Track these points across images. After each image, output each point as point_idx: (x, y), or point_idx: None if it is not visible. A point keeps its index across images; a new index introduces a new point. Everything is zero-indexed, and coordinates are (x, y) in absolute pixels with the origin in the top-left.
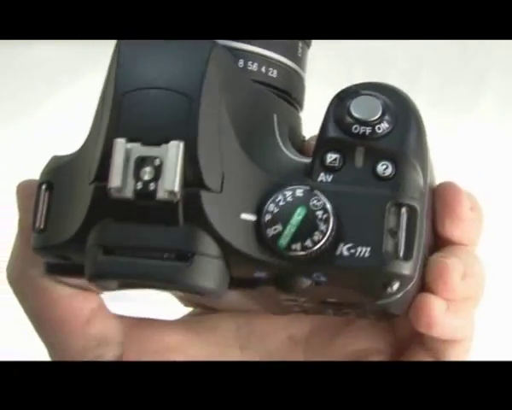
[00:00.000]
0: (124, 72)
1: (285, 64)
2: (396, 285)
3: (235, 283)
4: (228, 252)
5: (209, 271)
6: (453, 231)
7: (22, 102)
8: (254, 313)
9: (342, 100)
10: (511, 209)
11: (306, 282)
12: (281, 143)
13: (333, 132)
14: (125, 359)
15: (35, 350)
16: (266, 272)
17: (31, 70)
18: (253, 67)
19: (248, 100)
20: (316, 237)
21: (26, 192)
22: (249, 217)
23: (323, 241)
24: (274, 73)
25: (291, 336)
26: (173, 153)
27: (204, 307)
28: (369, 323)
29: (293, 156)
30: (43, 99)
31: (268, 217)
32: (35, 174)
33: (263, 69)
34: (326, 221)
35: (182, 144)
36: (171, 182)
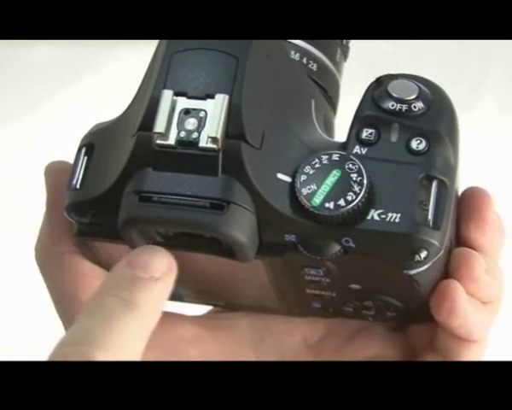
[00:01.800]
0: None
1: (325, 62)
2: (424, 253)
3: (264, 249)
4: (261, 207)
5: (242, 222)
6: (477, 235)
7: (22, 102)
8: (270, 315)
9: (381, 82)
10: (511, 209)
11: (335, 247)
12: (316, 125)
13: (369, 110)
14: None
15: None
16: (296, 235)
17: (30, 70)
18: (296, 56)
19: (290, 77)
20: (349, 197)
21: (52, 170)
22: (285, 178)
23: (356, 201)
24: (314, 67)
25: (304, 338)
26: (218, 105)
27: (222, 305)
28: (382, 332)
29: (327, 138)
30: (43, 99)
31: (303, 177)
32: (35, 174)
33: (304, 60)
34: (360, 183)
35: (227, 98)
36: (214, 130)
